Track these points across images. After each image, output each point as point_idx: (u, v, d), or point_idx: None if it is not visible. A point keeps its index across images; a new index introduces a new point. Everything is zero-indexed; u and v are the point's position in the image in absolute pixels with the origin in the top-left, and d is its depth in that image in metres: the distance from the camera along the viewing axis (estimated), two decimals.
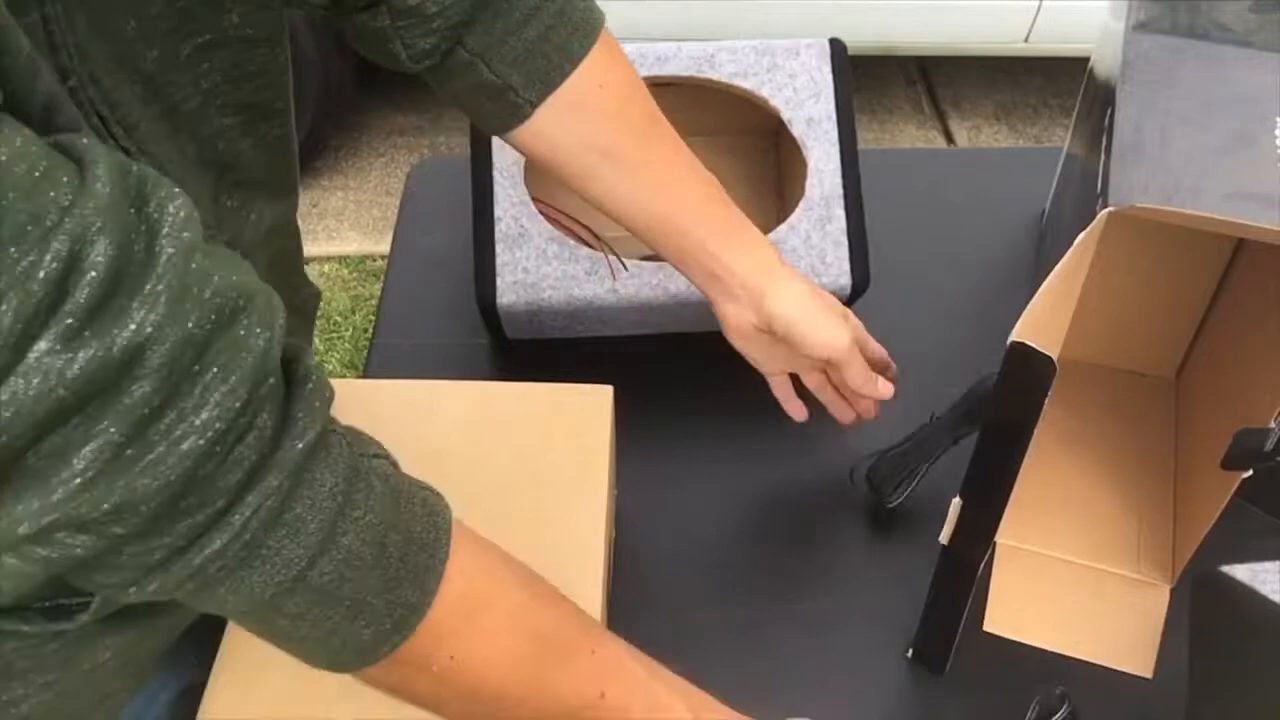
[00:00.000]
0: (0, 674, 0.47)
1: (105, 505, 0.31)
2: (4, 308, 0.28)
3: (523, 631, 0.45)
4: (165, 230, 0.32)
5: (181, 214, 0.32)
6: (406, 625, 0.41)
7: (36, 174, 0.29)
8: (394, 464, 0.43)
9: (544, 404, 0.67)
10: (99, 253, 0.29)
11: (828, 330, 0.66)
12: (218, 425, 0.33)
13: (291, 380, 0.37)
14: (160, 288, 0.31)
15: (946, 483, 0.59)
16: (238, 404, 0.33)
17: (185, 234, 0.32)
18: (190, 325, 0.32)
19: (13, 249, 0.28)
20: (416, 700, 0.45)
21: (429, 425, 0.65)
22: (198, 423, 0.32)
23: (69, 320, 0.29)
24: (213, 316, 0.33)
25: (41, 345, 0.29)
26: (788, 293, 0.66)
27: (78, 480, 0.30)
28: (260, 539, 0.35)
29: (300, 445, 0.36)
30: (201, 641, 0.58)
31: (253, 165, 0.51)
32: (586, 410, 0.66)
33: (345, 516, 0.38)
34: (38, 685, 0.49)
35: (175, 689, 0.66)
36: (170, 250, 0.31)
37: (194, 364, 0.32)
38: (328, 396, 0.38)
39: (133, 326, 0.30)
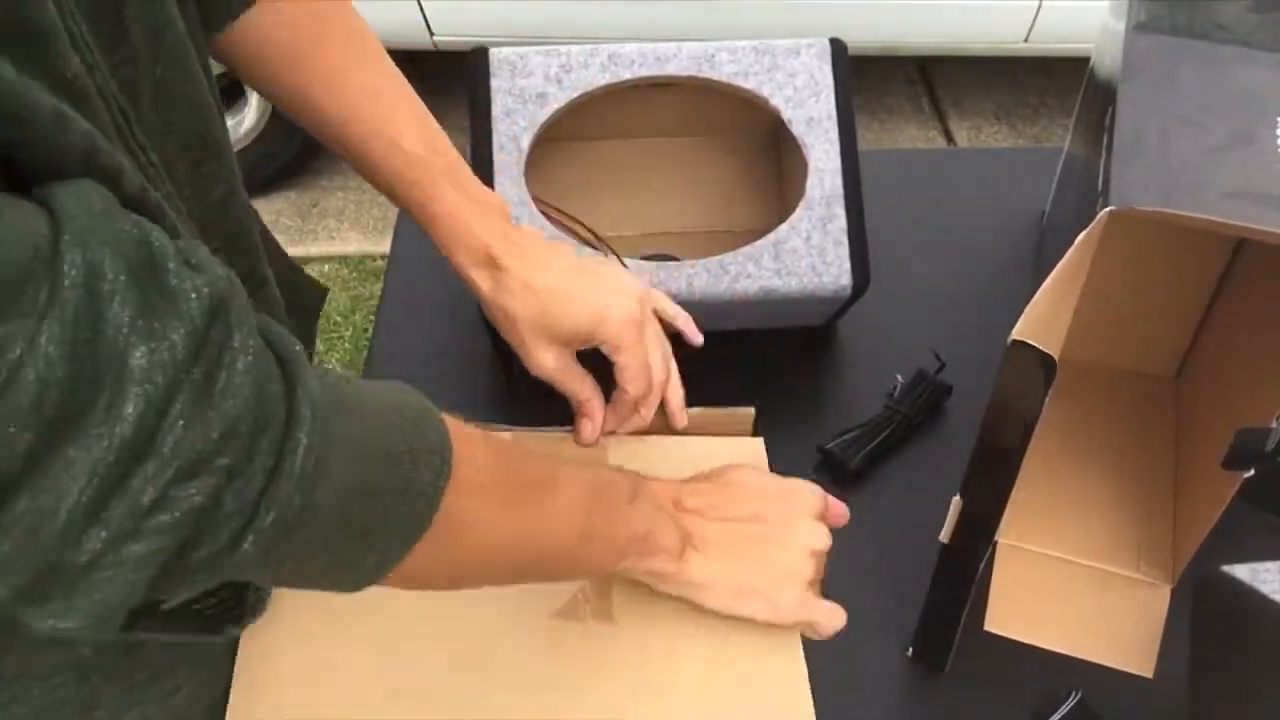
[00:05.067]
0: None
1: (213, 434, 0.33)
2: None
3: (494, 441, 0.50)
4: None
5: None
6: (448, 456, 0.44)
7: (11, 214, 0.30)
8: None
9: (704, 457, 0.66)
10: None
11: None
12: (252, 344, 0.35)
13: None
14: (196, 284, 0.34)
15: (946, 483, 0.59)
16: (254, 327, 0.36)
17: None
18: (223, 277, 0.35)
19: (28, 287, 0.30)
20: (473, 548, 0.47)
21: None
22: (236, 345, 0.34)
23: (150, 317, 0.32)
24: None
25: (141, 351, 0.32)
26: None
27: (180, 424, 0.32)
28: (327, 427, 0.38)
29: (297, 347, 0.39)
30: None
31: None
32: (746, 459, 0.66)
33: (361, 393, 0.41)
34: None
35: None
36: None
37: (225, 310, 0.35)
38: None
39: (193, 296, 0.33)
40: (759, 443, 0.69)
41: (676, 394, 0.69)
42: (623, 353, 0.64)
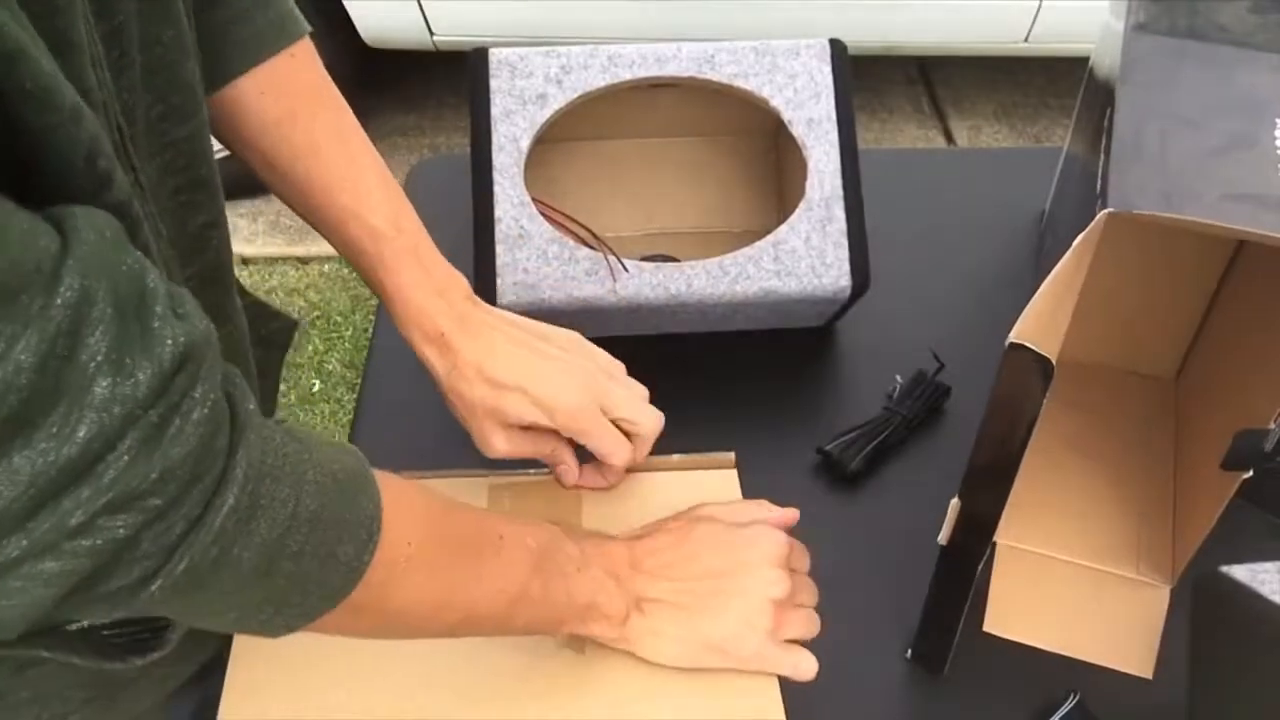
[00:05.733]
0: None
1: (152, 475, 0.34)
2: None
3: (435, 509, 0.51)
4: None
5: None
6: (375, 531, 0.45)
7: (24, 227, 0.32)
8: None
9: (672, 491, 0.67)
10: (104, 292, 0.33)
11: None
12: (212, 398, 0.37)
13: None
14: (167, 332, 0.35)
15: (946, 483, 0.59)
16: (218, 382, 0.38)
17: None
18: (201, 331, 0.37)
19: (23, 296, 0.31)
20: (391, 613, 0.48)
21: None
22: (197, 396, 0.36)
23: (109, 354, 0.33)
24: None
25: (106, 382, 0.33)
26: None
27: (125, 459, 0.33)
28: (256, 489, 0.39)
29: (251, 407, 0.40)
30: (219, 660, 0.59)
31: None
32: (717, 495, 0.67)
33: (301, 459, 0.42)
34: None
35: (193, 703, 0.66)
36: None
37: (196, 363, 0.36)
38: (242, 378, 0.42)
39: (169, 342, 0.35)
40: (732, 475, 0.70)
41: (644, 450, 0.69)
42: (585, 437, 0.65)
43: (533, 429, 0.65)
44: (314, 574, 0.42)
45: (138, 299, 0.34)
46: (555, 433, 0.65)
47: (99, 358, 0.33)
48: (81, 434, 0.32)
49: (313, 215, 0.65)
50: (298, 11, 0.64)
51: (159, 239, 0.47)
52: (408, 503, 0.48)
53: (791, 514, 0.65)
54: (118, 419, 0.33)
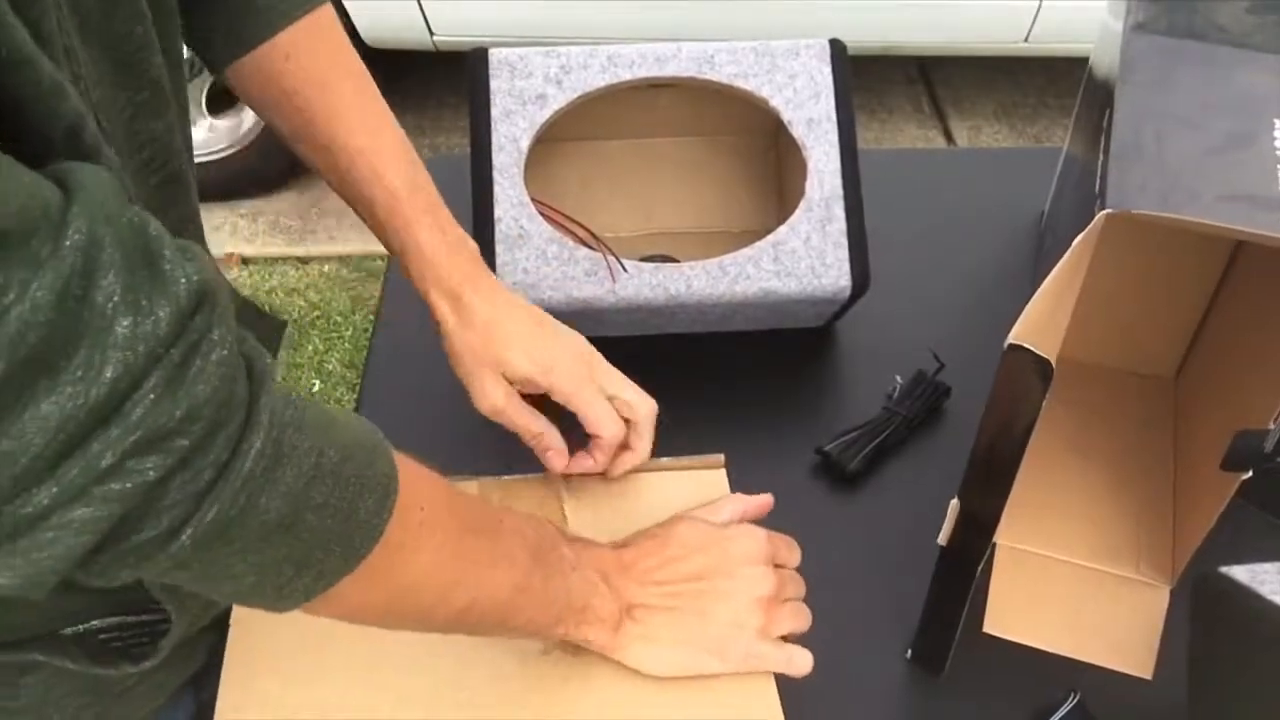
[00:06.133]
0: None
1: (177, 413, 0.34)
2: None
3: (441, 482, 0.52)
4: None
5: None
6: (393, 489, 0.45)
7: (26, 179, 0.32)
8: None
9: (661, 492, 0.68)
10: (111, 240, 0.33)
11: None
12: (230, 341, 0.37)
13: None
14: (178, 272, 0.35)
15: (946, 483, 0.59)
16: (234, 327, 0.38)
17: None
18: (212, 274, 0.37)
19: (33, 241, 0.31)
20: (403, 586, 0.48)
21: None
22: (215, 338, 0.36)
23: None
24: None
25: (127, 321, 0.33)
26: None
27: (151, 397, 0.34)
28: (280, 438, 0.39)
29: (267, 360, 0.40)
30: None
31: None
32: (706, 495, 0.67)
33: (321, 413, 0.42)
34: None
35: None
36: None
37: (210, 304, 0.37)
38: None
39: (183, 281, 0.35)
40: (721, 475, 0.70)
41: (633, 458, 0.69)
42: (577, 401, 0.66)
43: (527, 391, 0.66)
44: (336, 529, 0.42)
45: (144, 245, 0.35)
46: (545, 406, 0.66)
47: (115, 298, 0.33)
48: (109, 374, 0.33)
49: (336, 174, 0.67)
50: None
51: None
52: (416, 471, 0.49)
53: (765, 500, 0.66)
54: (142, 357, 0.33)
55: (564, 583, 0.56)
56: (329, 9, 0.66)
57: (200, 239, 0.61)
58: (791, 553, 0.65)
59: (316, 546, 0.42)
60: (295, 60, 0.64)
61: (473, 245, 0.68)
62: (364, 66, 0.67)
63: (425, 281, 0.66)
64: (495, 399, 0.65)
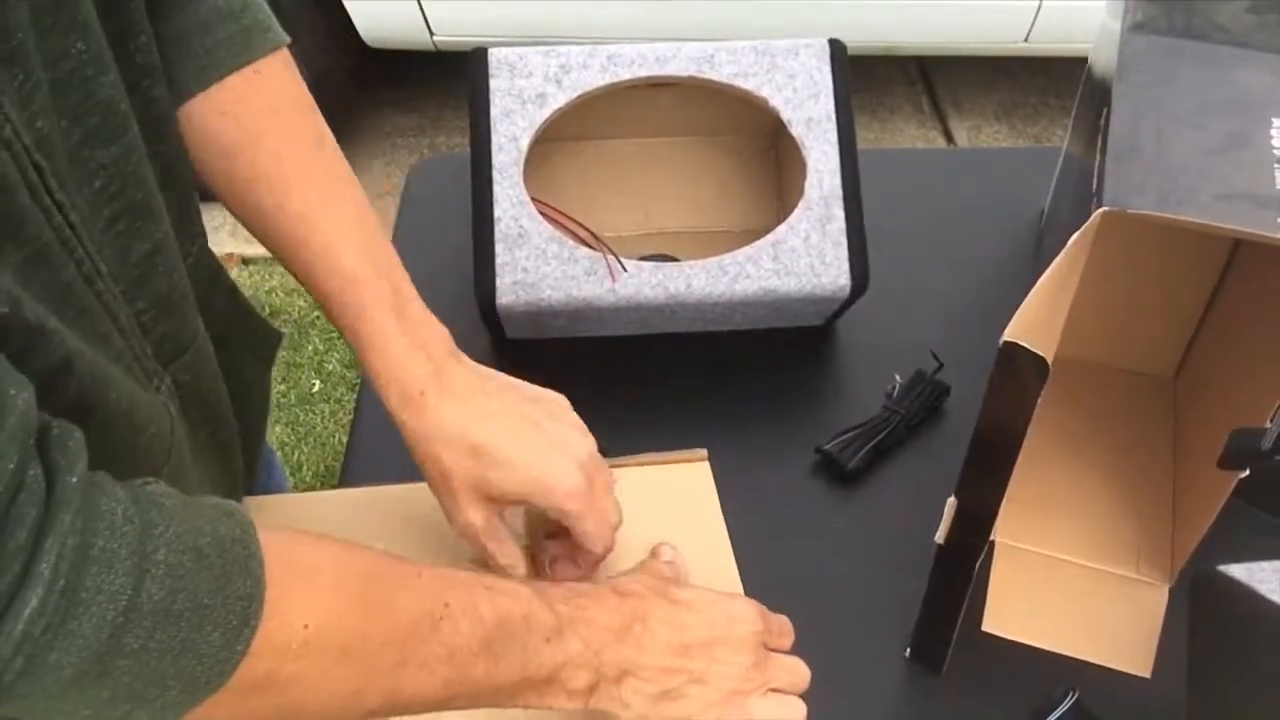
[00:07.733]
0: None
1: None
2: None
3: (354, 575, 0.45)
4: None
5: None
6: (252, 615, 0.39)
7: None
8: (162, 484, 0.41)
9: (645, 487, 0.66)
10: None
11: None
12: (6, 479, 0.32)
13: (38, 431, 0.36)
14: None
15: (945, 482, 0.59)
16: (11, 465, 0.33)
17: None
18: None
19: None
20: (289, 702, 0.43)
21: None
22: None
23: None
24: None
25: None
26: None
27: None
28: (75, 582, 0.34)
29: (75, 480, 0.35)
30: None
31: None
32: (690, 488, 0.67)
33: (150, 535, 0.37)
34: None
35: None
36: None
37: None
38: (78, 436, 0.37)
39: None
40: (705, 468, 0.69)
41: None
42: (575, 520, 0.58)
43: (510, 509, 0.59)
44: (167, 669, 0.37)
45: None
46: (516, 546, 0.60)
47: None
48: None
49: (281, 253, 0.58)
50: (273, 21, 0.58)
51: (98, 276, 0.45)
52: (312, 575, 0.43)
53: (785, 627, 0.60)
54: None
55: (523, 659, 0.50)
56: (280, 56, 0.58)
57: (175, 271, 0.54)
58: (783, 636, 0.59)
59: (148, 686, 0.37)
60: (232, 117, 0.56)
61: (444, 334, 0.59)
62: (318, 121, 0.59)
63: (386, 384, 0.57)
64: (473, 519, 0.57)
